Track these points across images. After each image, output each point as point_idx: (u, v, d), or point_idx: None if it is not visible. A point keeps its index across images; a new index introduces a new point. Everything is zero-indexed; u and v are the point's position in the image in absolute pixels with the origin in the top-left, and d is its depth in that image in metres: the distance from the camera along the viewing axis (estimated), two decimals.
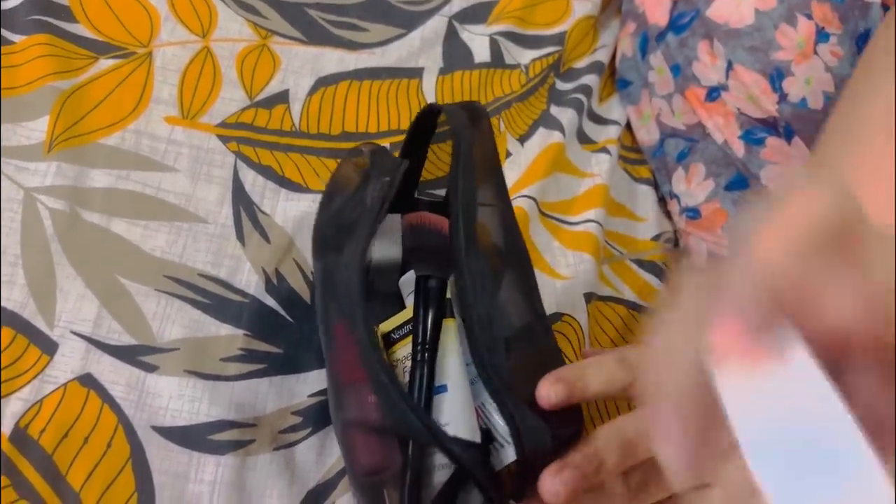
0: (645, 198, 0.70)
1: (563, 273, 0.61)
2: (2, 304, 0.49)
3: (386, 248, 0.52)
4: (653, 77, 0.70)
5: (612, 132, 0.71)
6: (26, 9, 0.60)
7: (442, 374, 0.45)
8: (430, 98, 0.66)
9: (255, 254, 0.56)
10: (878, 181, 0.39)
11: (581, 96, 0.70)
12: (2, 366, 0.48)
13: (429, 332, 0.46)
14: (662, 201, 0.71)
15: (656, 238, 0.68)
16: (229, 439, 0.49)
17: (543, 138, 0.67)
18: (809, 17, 0.61)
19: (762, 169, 0.63)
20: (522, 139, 0.67)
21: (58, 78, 0.58)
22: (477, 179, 0.45)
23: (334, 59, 0.66)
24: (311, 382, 0.52)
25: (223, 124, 0.60)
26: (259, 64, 0.64)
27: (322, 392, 0.52)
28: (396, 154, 0.57)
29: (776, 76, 0.61)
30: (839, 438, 0.19)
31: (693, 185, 0.67)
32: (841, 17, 0.61)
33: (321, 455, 0.50)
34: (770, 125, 0.62)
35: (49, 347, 0.49)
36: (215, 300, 0.53)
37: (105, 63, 0.60)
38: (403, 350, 0.47)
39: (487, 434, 0.44)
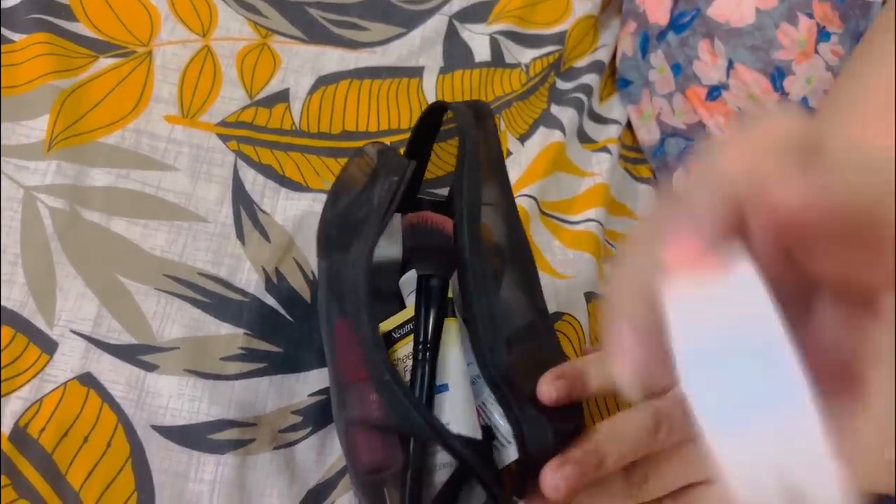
0: (646, 197, 0.70)
1: (563, 272, 0.61)
2: (1, 302, 0.49)
3: (386, 247, 0.52)
4: (653, 76, 0.70)
5: (613, 131, 0.71)
6: (26, 7, 0.60)
7: (443, 373, 0.45)
8: (431, 97, 0.66)
9: (255, 253, 0.56)
10: (879, 135, 0.39)
11: (581, 95, 0.70)
12: (1, 365, 0.48)
13: (430, 332, 0.46)
14: None
15: None
16: (229, 438, 0.49)
17: (544, 137, 0.67)
18: (810, 15, 0.61)
19: None
20: (523, 138, 0.67)
21: (58, 77, 0.58)
22: (482, 178, 0.45)
23: (335, 59, 0.66)
24: (312, 382, 0.52)
25: (223, 123, 0.60)
26: (259, 63, 0.64)
27: (322, 391, 0.52)
28: (401, 152, 0.57)
29: (777, 75, 0.61)
30: (769, 352, 0.19)
31: None
32: (842, 15, 0.61)
33: (321, 454, 0.50)
34: None
35: (49, 346, 0.49)
36: (215, 299, 0.53)
37: (105, 62, 0.60)
38: (404, 349, 0.47)
39: (489, 433, 0.44)
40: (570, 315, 0.58)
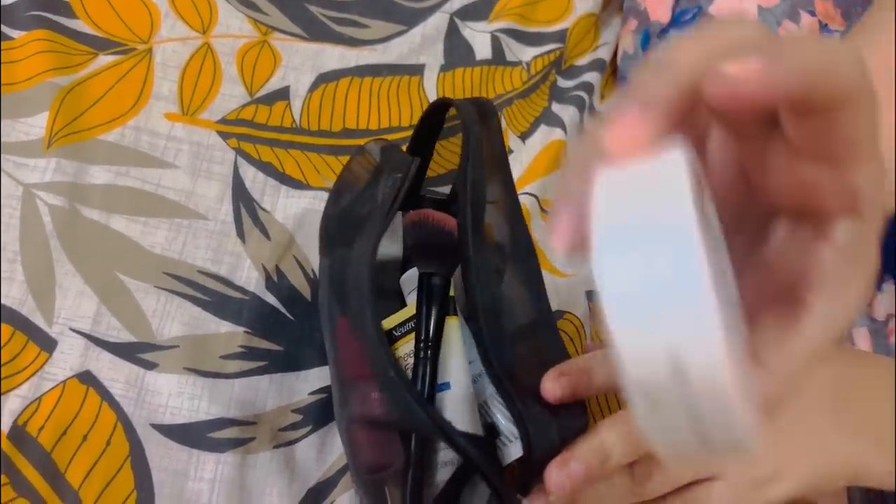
0: None
1: (564, 270, 0.60)
2: (1, 300, 0.49)
3: (388, 245, 0.52)
4: None
5: None
6: (26, 4, 0.60)
7: (445, 371, 0.45)
8: (432, 95, 0.66)
9: (256, 251, 0.55)
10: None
11: (583, 94, 0.70)
12: (0, 363, 0.47)
13: (432, 330, 0.45)
14: None
15: None
16: (229, 437, 0.49)
17: (545, 136, 0.67)
18: (812, 13, 0.61)
19: None
20: (524, 136, 0.66)
21: (57, 74, 0.57)
22: (486, 176, 0.45)
23: (335, 56, 0.66)
24: (312, 380, 0.52)
25: (223, 121, 0.60)
26: (259, 60, 0.64)
27: (323, 390, 0.52)
28: (403, 149, 0.57)
29: None
30: (677, 237, 0.19)
31: None
32: (843, 13, 0.60)
33: (321, 453, 0.50)
34: None
35: (48, 344, 0.49)
36: (215, 297, 0.53)
37: (105, 59, 0.60)
38: (405, 347, 0.46)
39: (492, 430, 0.44)
40: (570, 313, 0.58)
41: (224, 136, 0.59)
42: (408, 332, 0.47)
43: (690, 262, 0.19)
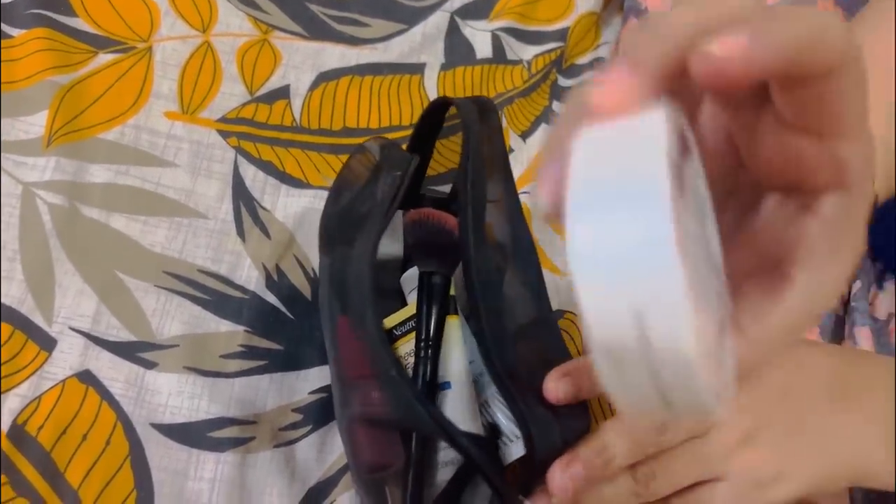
0: None
1: (565, 269, 0.60)
2: (0, 299, 0.49)
3: (388, 244, 0.52)
4: None
5: None
6: (25, 3, 0.60)
7: (445, 371, 0.45)
8: (432, 94, 0.66)
9: (256, 250, 0.55)
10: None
11: None
12: (0, 362, 0.47)
13: (432, 329, 0.45)
14: None
15: None
16: (229, 436, 0.49)
17: (546, 135, 0.66)
18: None
19: None
20: (524, 135, 0.66)
21: (57, 72, 0.57)
22: (486, 175, 0.45)
23: (336, 55, 0.66)
24: (312, 379, 0.52)
25: (223, 119, 0.60)
26: (260, 59, 0.63)
27: (323, 389, 0.52)
28: (403, 148, 0.57)
29: None
30: (648, 198, 0.19)
31: None
32: (845, 10, 0.60)
33: (322, 452, 0.50)
34: None
35: (47, 343, 0.49)
36: (215, 296, 0.53)
37: (104, 57, 0.60)
38: (406, 347, 0.46)
39: (493, 430, 0.44)
40: (571, 313, 0.58)
41: (224, 134, 0.59)
42: (408, 332, 0.47)
43: (659, 224, 0.18)
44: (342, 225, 0.47)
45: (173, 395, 0.49)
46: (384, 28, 0.69)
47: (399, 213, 0.53)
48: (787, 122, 0.23)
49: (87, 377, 0.48)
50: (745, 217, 0.28)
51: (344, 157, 0.59)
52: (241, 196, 0.57)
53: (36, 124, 0.55)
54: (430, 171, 0.59)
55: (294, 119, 0.62)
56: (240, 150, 0.59)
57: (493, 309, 0.40)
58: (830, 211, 0.25)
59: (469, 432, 0.42)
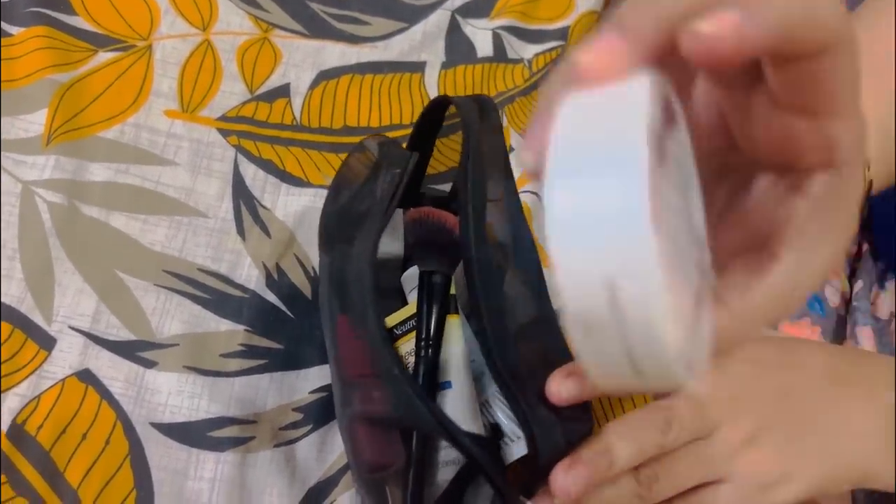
0: None
1: None
2: (0, 298, 0.49)
3: (388, 243, 0.52)
4: None
5: None
6: (25, 1, 0.59)
7: (446, 370, 0.45)
8: (433, 92, 0.66)
9: (256, 248, 0.55)
10: (865, 98, 0.40)
11: None
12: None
13: (433, 328, 0.45)
14: None
15: None
16: (229, 436, 0.49)
17: None
18: None
19: None
20: None
21: (56, 70, 0.57)
22: (486, 174, 0.44)
23: (336, 53, 0.66)
24: (313, 378, 0.52)
25: (223, 118, 0.60)
26: (260, 57, 0.63)
27: (323, 388, 0.51)
28: (403, 146, 0.56)
29: None
30: (626, 165, 0.19)
31: None
32: (847, 8, 0.60)
33: (322, 452, 0.50)
34: None
35: (47, 342, 0.49)
36: (215, 295, 0.53)
37: (104, 56, 0.59)
38: (406, 346, 0.46)
39: (494, 430, 0.44)
40: None
41: (224, 133, 0.59)
42: (409, 331, 0.46)
43: (634, 193, 0.18)
44: (341, 223, 0.47)
45: (173, 394, 0.49)
46: (385, 26, 0.68)
47: (399, 211, 0.53)
48: (780, 100, 0.24)
49: (86, 376, 0.48)
50: (737, 196, 0.28)
51: (344, 156, 0.59)
52: (242, 195, 0.57)
53: (35, 122, 0.55)
54: (430, 170, 0.59)
55: (294, 117, 0.61)
56: (240, 149, 0.59)
57: (494, 308, 0.40)
58: (820, 190, 0.25)
59: (471, 433, 0.42)
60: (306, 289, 0.55)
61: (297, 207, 0.57)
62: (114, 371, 0.49)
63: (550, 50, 0.71)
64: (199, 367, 0.50)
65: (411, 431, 0.43)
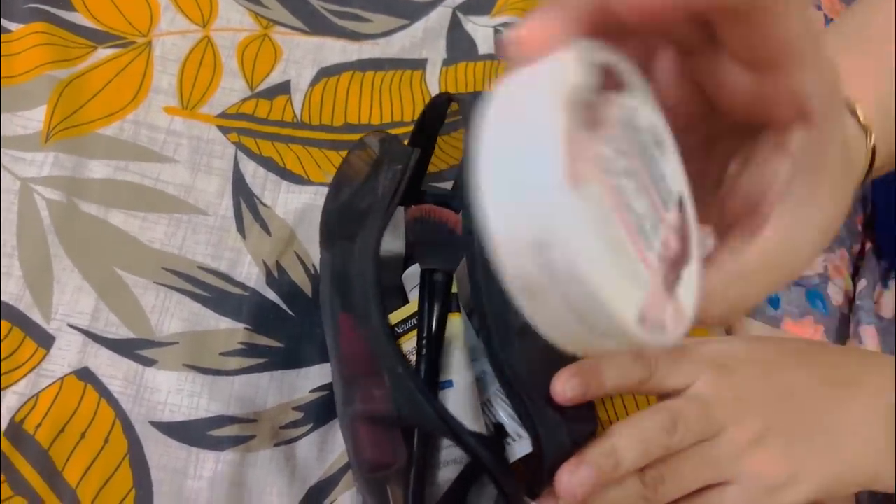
0: None
1: None
2: None
3: (390, 241, 0.51)
4: None
5: None
6: None
7: (447, 369, 0.45)
8: (434, 90, 0.66)
9: (256, 246, 0.55)
10: (867, 77, 0.39)
11: None
12: None
13: (434, 327, 0.45)
14: None
15: None
16: (229, 435, 0.48)
17: None
18: (818, 7, 0.60)
19: None
20: None
21: (55, 67, 0.57)
22: None
23: (337, 50, 0.65)
24: (313, 377, 0.51)
25: (223, 115, 0.59)
26: (260, 54, 0.63)
27: (324, 387, 0.51)
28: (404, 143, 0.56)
29: None
30: (542, 136, 0.19)
31: None
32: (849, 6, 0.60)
33: (322, 451, 0.50)
34: None
35: (45, 341, 0.48)
36: (215, 293, 0.52)
37: (104, 52, 0.59)
38: (408, 345, 0.46)
39: (496, 429, 0.43)
40: None
41: (224, 130, 0.59)
42: (410, 329, 0.46)
43: (546, 156, 0.19)
44: (343, 220, 0.47)
45: (172, 392, 0.49)
46: (386, 23, 0.68)
47: (400, 209, 0.52)
48: (738, 57, 0.24)
49: (85, 375, 0.48)
50: (729, 164, 0.28)
51: (345, 153, 0.59)
52: (242, 192, 0.56)
53: (34, 119, 0.55)
54: (431, 168, 0.59)
55: (295, 115, 0.61)
56: (240, 146, 0.58)
57: (496, 306, 0.40)
58: (800, 146, 0.25)
59: (476, 432, 0.42)
60: (307, 287, 0.54)
61: (298, 205, 0.57)
62: (113, 369, 0.48)
63: None
64: (198, 365, 0.50)
65: (412, 430, 0.43)
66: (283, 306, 0.53)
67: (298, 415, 0.50)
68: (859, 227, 0.64)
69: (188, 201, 0.55)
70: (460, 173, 0.46)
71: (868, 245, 0.63)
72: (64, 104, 0.56)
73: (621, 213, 0.21)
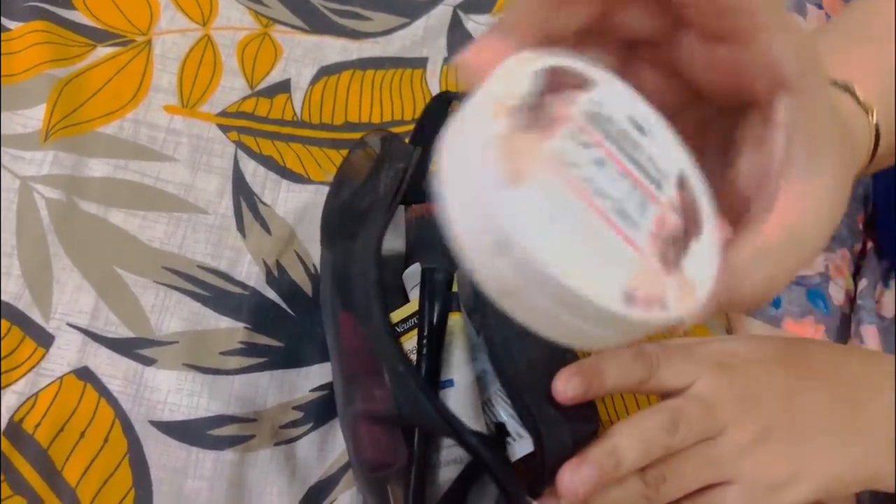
0: None
1: None
2: None
3: (390, 240, 0.51)
4: None
5: None
6: None
7: (448, 368, 0.45)
8: (435, 89, 0.65)
9: (256, 245, 0.55)
10: (867, 64, 0.39)
11: None
12: None
13: (435, 326, 0.45)
14: None
15: None
16: (229, 434, 0.48)
17: None
18: (819, 6, 0.60)
19: None
20: None
21: (55, 65, 0.57)
22: None
23: (337, 48, 0.65)
24: (313, 376, 0.51)
25: (223, 113, 0.59)
26: (260, 52, 0.63)
27: (323, 387, 0.51)
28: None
29: None
30: (478, 142, 0.21)
31: None
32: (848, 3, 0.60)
33: (322, 451, 0.49)
34: None
35: (45, 340, 0.48)
36: (215, 292, 0.52)
37: (103, 51, 0.59)
38: (408, 344, 0.46)
39: (497, 428, 0.43)
40: None
41: (224, 129, 0.58)
42: (411, 328, 0.46)
43: (478, 160, 0.20)
44: (344, 219, 0.46)
45: (172, 392, 0.49)
46: (386, 22, 0.68)
47: (401, 208, 0.52)
48: (707, 35, 0.24)
49: (85, 374, 0.48)
50: (727, 148, 0.28)
51: (345, 152, 0.59)
52: (242, 191, 0.56)
53: (34, 118, 0.54)
54: (432, 167, 0.59)
55: (295, 113, 0.61)
56: (240, 145, 0.58)
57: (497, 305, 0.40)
58: (786, 115, 0.25)
59: (478, 431, 0.42)
60: (307, 286, 0.54)
61: (298, 204, 0.57)
62: (112, 369, 0.48)
63: None
64: (198, 364, 0.50)
65: (413, 430, 0.43)
66: (283, 305, 0.53)
67: (298, 414, 0.50)
68: (860, 227, 0.64)
69: (188, 200, 0.55)
70: None
71: (869, 244, 0.63)
72: (63, 103, 0.55)
73: (590, 199, 0.21)
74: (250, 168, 0.57)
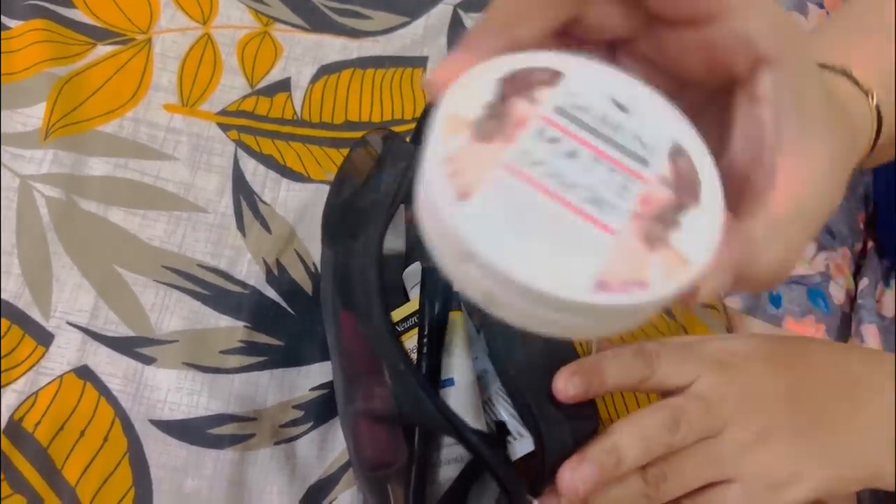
0: None
1: None
2: None
3: (391, 239, 0.51)
4: None
5: None
6: None
7: (448, 367, 0.45)
8: None
9: (256, 244, 0.55)
10: (867, 50, 0.39)
11: None
12: None
13: (435, 325, 0.45)
14: None
15: None
16: (229, 433, 0.48)
17: None
18: (820, 5, 0.60)
19: None
20: None
21: (55, 64, 0.57)
22: None
23: (337, 47, 0.65)
24: (313, 375, 0.51)
25: (223, 112, 0.59)
26: (260, 51, 0.63)
27: (324, 385, 0.51)
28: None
29: None
30: (424, 160, 0.21)
31: None
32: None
33: (322, 450, 0.49)
34: None
35: (44, 338, 0.48)
36: (215, 291, 0.52)
37: (103, 49, 0.59)
38: (409, 343, 0.46)
39: (498, 427, 0.43)
40: None
41: (224, 127, 0.58)
42: (411, 327, 0.46)
43: (438, 182, 0.21)
44: (345, 218, 0.46)
45: (172, 391, 0.49)
46: (386, 20, 0.68)
47: (401, 207, 0.52)
48: (680, 22, 0.24)
49: (84, 373, 0.48)
50: (720, 131, 0.28)
51: (345, 151, 0.59)
52: (242, 190, 0.56)
53: (34, 116, 0.54)
54: None
55: (295, 112, 0.61)
56: (240, 144, 0.58)
57: None
58: (769, 89, 0.25)
59: (479, 430, 0.42)
60: (307, 285, 0.54)
61: (298, 203, 0.57)
62: (112, 367, 0.48)
63: None
64: (198, 363, 0.50)
65: (413, 428, 0.43)
66: (284, 304, 0.53)
67: (298, 413, 0.50)
68: (861, 226, 0.64)
69: (188, 199, 0.55)
70: None
71: (870, 244, 0.63)
72: (63, 101, 0.55)
73: (556, 194, 0.22)
74: (250, 167, 0.57)
